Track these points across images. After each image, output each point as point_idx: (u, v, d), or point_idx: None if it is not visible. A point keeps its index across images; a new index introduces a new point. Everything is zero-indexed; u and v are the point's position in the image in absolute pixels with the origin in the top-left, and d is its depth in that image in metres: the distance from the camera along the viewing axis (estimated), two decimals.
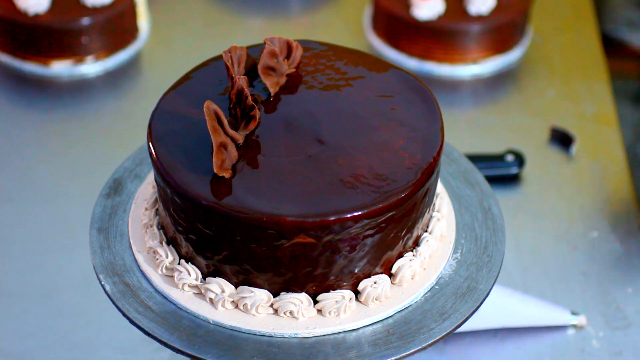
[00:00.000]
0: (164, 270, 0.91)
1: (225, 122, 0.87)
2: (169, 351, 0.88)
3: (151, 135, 0.90)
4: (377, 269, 0.89)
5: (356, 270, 0.88)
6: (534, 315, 1.16)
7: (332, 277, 0.87)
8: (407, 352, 0.86)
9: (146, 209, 0.96)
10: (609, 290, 1.22)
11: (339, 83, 0.96)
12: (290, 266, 0.86)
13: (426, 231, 0.93)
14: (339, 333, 0.87)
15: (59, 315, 1.20)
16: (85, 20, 1.53)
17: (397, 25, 1.58)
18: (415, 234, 0.91)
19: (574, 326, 1.17)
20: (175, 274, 0.90)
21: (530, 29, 1.65)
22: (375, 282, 0.89)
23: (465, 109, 1.54)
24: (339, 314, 0.88)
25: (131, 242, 0.94)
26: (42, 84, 1.55)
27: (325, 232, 0.83)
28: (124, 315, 0.89)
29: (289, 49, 0.96)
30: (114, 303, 0.90)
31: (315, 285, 0.87)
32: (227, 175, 0.86)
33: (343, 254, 0.86)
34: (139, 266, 0.92)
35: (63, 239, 1.30)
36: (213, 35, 1.67)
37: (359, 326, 0.88)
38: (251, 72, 0.95)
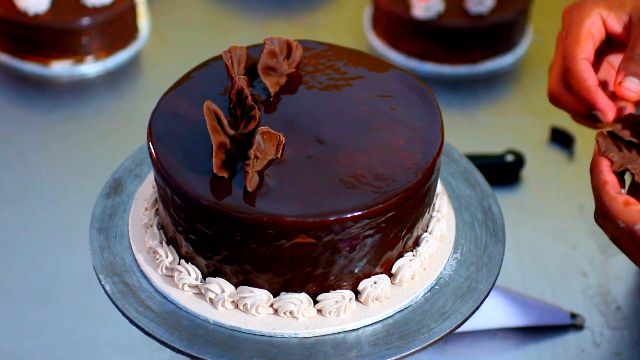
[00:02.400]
0: (164, 270, 0.91)
1: (225, 122, 0.87)
2: (169, 351, 0.88)
3: (151, 135, 0.90)
4: (377, 269, 0.89)
5: (356, 270, 0.88)
6: (534, 315, 1.16)
7: (332, 277, 0.87)
8: (407, 352, 0.86)
9: (146, 209, 0.96)
10: (609, 290, 1.22)
11: (339, 83, 0.96)
12: (290, 266, 0.86)
13: (426, 231, 0.93)
14: (339, 333, 0.87)
15: (59, 315, 1.20)
16: (85, 20, 1.53)
17: (397, 26, 1.58)
18: (415, 234, 0.91)
19: (574, 326, 1.17)
20: (175, 274, 0.90)
21: (530, 29, 1.65)
22: (375, 282, 0.89)
23: (465, 109, 1.54)
24: (339, 314, 0.88)
25: (131, 242, 0.94)
26: (42, 84, 1.55)
27: (325, 232, 0.83)
28: (124, 315, 0.89)
29: (289, 49, 0.96)
30: (114, 303, 0.90)
31: (315, 285, 0.87)
32: (226, 175, 0.86)
33: (343, 254, 0.86)
34: (139, 266, 0.92)
35: (63, 239, 1.30)
36: (213, 35, 1.67)
37: (359, 326, 0.88)
38: (251, 72, 0.95)
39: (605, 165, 0.88)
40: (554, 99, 0.97)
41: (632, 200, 0.85)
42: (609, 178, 0.87)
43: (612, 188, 0.86)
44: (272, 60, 0.94)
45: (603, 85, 0.98)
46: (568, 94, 0.95)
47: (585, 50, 0.93)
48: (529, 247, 1.29)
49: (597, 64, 0.97)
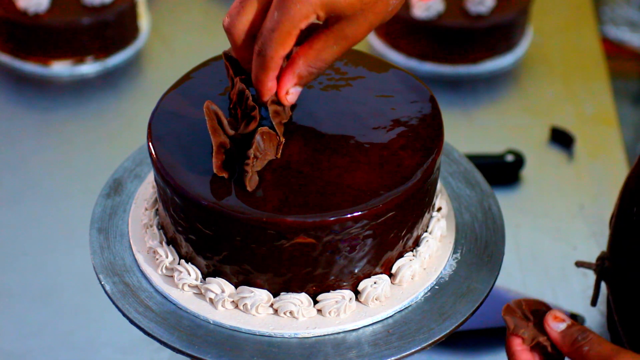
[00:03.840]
0: (164, 270, 0.91)
1: (225, 122, 0.87)
2: (169, 351, 0.88)
3: (151, 135, 0.90)
4: (377, 269, 0.89)
5: (356, 271, 0.88)
6: None
7: (332, 277, 0.87)
8: (407, 352, 0.86)
9: (146, 209, 0.96)
10: None
11: (338, 83, 0.96)
12: (290, 266, 0.86)
13: (426, 231, 0.93)
14: (339, 333, 0.87)
15: (59, 315, 1.20)
16: (85, 20, 1.53)
17: (397, 26, 1.58)
18: (415, 234, 0.91)
19: None
20: (175, 274, 0.90)
21: (530, 29, 1.65)
22: (375, 282, 0.89)
23: (465, 109, 1.54)
24: (339, 314, 0.88)
25: (131, 242, 0.94)
26: (42, 84, 1.55)
27: (325, 232, 0.83)
28: (124, 315, 0.89)
29: None
30: (114, 303, 0.90)
31: (315, 285, 0.87)
32: (226, 175, 0.86)
33: (343, 254, 0.86)
34: (139, 266, 0.92)
35: (63, 239, 1.30)
36: (213, 35, 1.67)
37: (359, 326, 0.88)
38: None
39: (517, 345, 0.87)
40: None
41: None
42: (522, 358, 0.86)
43: None
44: None
45: None
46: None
47: None
48: (529, 247, 1.29)
49: None
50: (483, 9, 1.54)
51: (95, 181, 1.06)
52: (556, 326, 0.86)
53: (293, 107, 0.92)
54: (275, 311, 0.88)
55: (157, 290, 0.90)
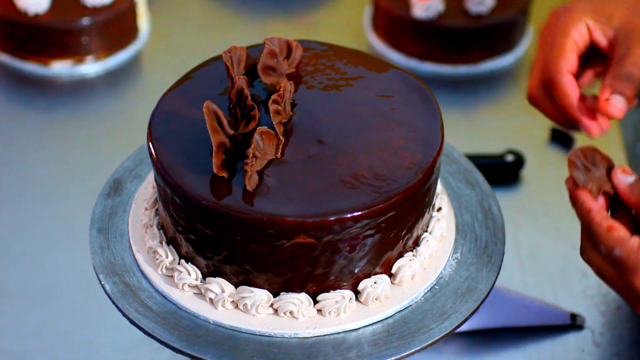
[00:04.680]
0: (164, 270, 0.91)
1: (225, 122, 0.87)
2: (169, 351, 0.88)
3: (151, 135, 0.90)
4: (377, 269, 0.89)
5: (356, 270, 0.88)
6: (534, 315, 1.16)
7: (332, 277, 0.87)
8: (407, 352, 0.86)
9: (146, 209, 0.96)
10: (609, 290, 1.22)
11: (339, 83, 0.96)
12: (290, 266, 0.86)
13: (426, 231, 0.93)
14: (339, 333, 0.87)
15: (59, 315, 1.20)
16: (85, 20, 1.53)
17: (397, 25, 1.58)
18: (415, 234, 0.91)
19: (574, 326, 1.17)
20: (175, 274, 0.90)
21: (530, 29, 1.65)
22: (375, 282, 0.89)
23: (465, 109, 1.54)
24: (339, 314, 0.88)
25: (131, 242, 0.94)
26: (42, 84, 1.55)
27: (325, 232, 0.83)
28: (124, 315, 0.89)
29: (288, 49, 0.96)
30: (114, 303, 0.90)
31: (315, 285, 0.87)
32: (226, 175, 0.86)
33: (343, 254, 0.86)
34: (139, 266, 0.92)
35: (63, 239, 1.30)
36: (213, 35, 1.67)
37: (359, 326, 0.88)
38: (251, 72, 0.95)
39: (585, 195, 0.87)
40: (534, 102, 0.99)
41: (616, 226, 0.84)
42: (593, 205, 0.86)
43: (597, 214, 0.86)
44: (272, 60, 0.94)
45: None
46: (549, 101, 0.97)
47: (569, 62, 0.94)
48: (529, 247, 1.29)
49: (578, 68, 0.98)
50: (483, 9, 1.54)
51: (95, 181, 1.06)
52: (624, 179, 0.86)
53: (293, 106, 0.92)
54: (275, 311, 0.88)
55: (157, 290, 0.90)
